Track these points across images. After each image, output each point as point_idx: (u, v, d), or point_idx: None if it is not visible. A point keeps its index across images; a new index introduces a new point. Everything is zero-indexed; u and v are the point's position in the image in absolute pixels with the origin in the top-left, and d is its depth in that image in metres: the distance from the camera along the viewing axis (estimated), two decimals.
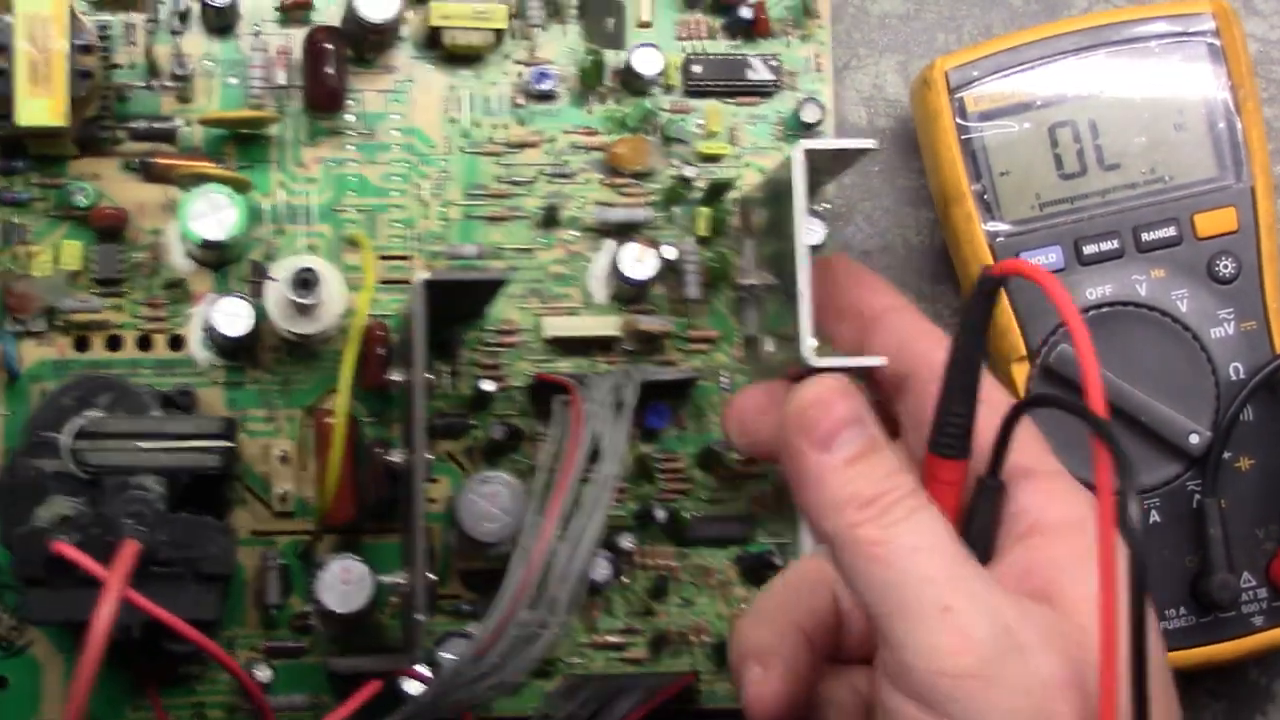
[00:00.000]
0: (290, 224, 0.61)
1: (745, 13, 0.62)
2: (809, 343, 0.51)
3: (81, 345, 0.60)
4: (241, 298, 0.58)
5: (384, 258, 0.61)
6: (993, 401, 0.51)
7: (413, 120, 0.62)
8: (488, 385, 0.61)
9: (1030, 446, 0.52)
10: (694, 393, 0.61)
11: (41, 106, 0.55)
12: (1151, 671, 0.45)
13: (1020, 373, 0.62)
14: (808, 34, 0.63)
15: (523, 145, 0.62)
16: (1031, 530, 0.50)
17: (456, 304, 0.58)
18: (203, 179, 0.58)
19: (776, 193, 0.57)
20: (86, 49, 0.57)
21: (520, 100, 0.62)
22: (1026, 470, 0.51)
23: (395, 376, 0.58)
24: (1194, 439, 0.62)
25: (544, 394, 0.60)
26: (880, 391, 0.56)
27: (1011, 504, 0.51)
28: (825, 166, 0.52)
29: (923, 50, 0.67)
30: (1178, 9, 0.63)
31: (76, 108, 0.57)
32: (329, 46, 0.59)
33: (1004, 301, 0.61)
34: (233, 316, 0.58)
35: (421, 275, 0.53)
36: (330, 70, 0.59)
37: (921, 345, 0.54)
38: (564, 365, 0.61)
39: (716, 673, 0.61)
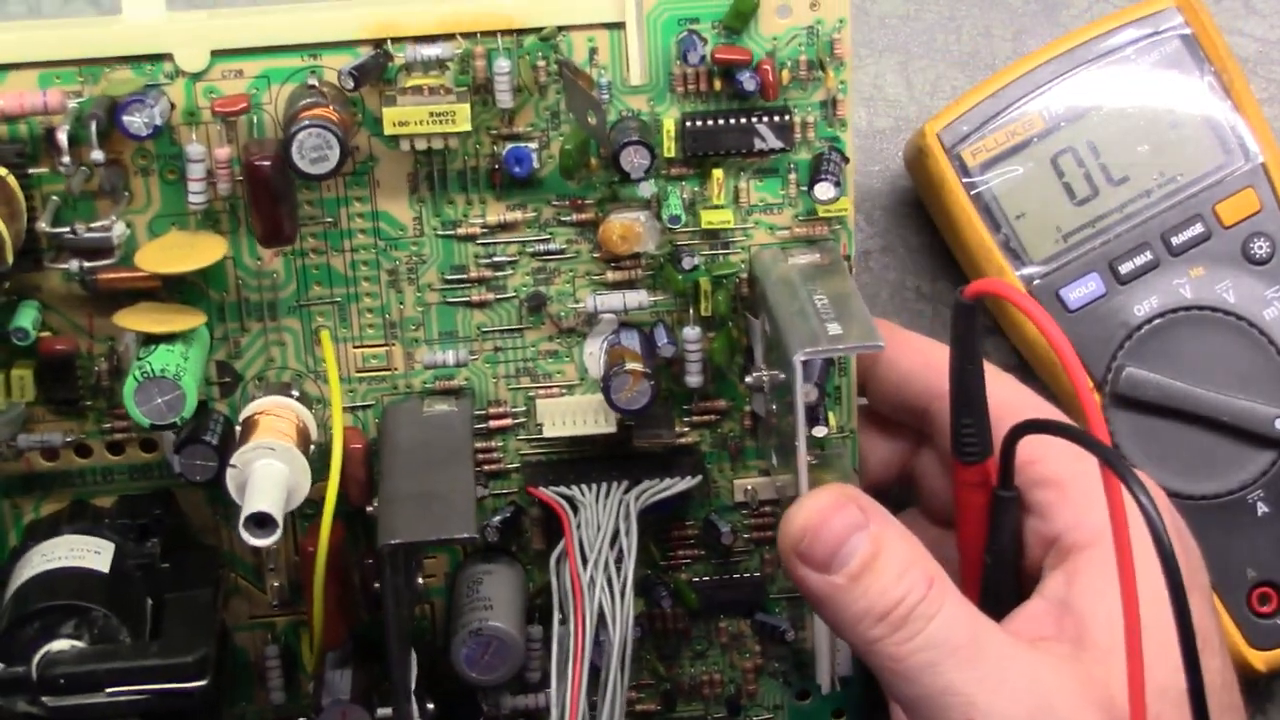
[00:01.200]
0: (254, 320, 0.70)
1: (749, 84, 0.66)
2: None
3: (51, 455, 0.70)
4: (206, 442, 0.67)
5: (359, 347, 0.70)
6: (1016, 407, 0.65)
7: (377, 203, 0.68)
8: (480, 491, 0.72)
9: (1063, 456, 0.65)
10: (702, 460, 0.72)
11: None
12: (1212, 695, 0.58)
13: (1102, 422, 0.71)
14: (821, 81, 0.67)
15: (502, 226, 0.68)
16: (1071, 549, 0.64)
17: None
18: (149, 337, 0.66)
19: (776, 310, 0.67)
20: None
21: (496, 176, 0.68)
22: (1059, 483, 0.65)
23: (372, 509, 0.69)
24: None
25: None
26: (911, 419, 0.71)
27: (1049, 524, 0.65)
28: None
29: (923, 50, 0.75)
30: (1141, 11, 0.73)
31: None
32: (270, 181, 0.64)
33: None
34: (199, 465, 0.67)
35: (384, 542, 0.62)
36: (275, 210, 0.64)
37: (922, 377, 0.69)
38: (560, 449, 0.72)
39: None
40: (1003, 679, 0.60)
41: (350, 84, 0.64)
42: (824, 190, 0.67)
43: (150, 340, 0.66)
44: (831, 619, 0.62)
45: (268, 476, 0.65)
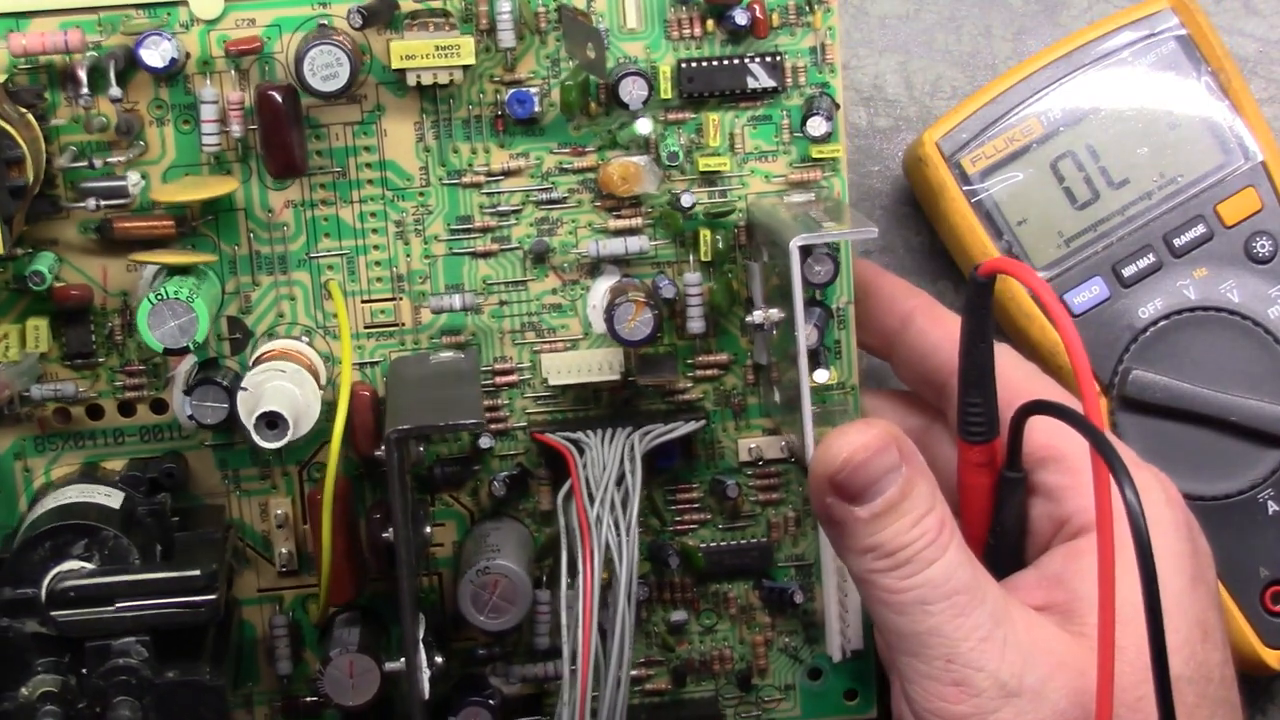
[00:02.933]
0: (265, 274, 0.72)
1: (740, 18, 0.69)
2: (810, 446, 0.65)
3: (63, 416, 0.71)
4: (217, 383, 0.69)
5: (368, 301, 0.72)
6: (1026, 389, 0.65)
7: (384, 153, 0.70)
8: (485, 442, 0.73)
9: (1078, 438, 0.62)
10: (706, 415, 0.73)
11: None
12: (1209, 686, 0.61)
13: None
14: (813, 25, 0.70)
15: (506, 173, 0.71)
16: (1079, 531, 0.65)
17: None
18: (164, 268, 0.68)
19: (773, 225, 0.69)
20: (15, 161, 0.64)
21: (500, 122, 0.71)
22: (1073, 467, 0.65)
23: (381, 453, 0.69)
24: None
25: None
26: (929, 392, 0.72)
27: (1061, 506, 0.65)
28: None
29: (923, 50, 0.77)
30: (1137, 14, 0.74)
31: (15, 218, 0.64)
32: (281, 108, 0.67)
33: (1062, 345, 0.72)
34: (210, 407, 0.68)
35: (391, 431, 0.63)
36: (287, 137, 0.67)
37: (948, 349, 0.68)
38: (565, 406, 0.73)
39: (741, 699, 0.76)
40: (989, 633, 0.61)
41: (358, 22, 0.67)
42: (816, 125, 0.69)
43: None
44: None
45: (279, 390, 0.66)
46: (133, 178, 0.69)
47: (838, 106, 0.71)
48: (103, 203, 0.68)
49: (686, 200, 0.70)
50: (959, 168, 0.74)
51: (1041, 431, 0.66)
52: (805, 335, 0.65)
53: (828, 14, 0.71)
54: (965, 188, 0.74)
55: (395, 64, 0.68)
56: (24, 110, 0.67)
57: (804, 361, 0.65)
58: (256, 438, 0.64)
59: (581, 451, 0.70)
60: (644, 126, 0.70)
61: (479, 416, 0.64)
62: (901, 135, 0.79)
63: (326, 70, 0.66)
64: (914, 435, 0.72)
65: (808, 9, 0.70)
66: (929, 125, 0.75)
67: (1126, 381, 0.73)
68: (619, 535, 0.67)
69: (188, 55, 0.69)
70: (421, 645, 0.68)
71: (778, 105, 0.71)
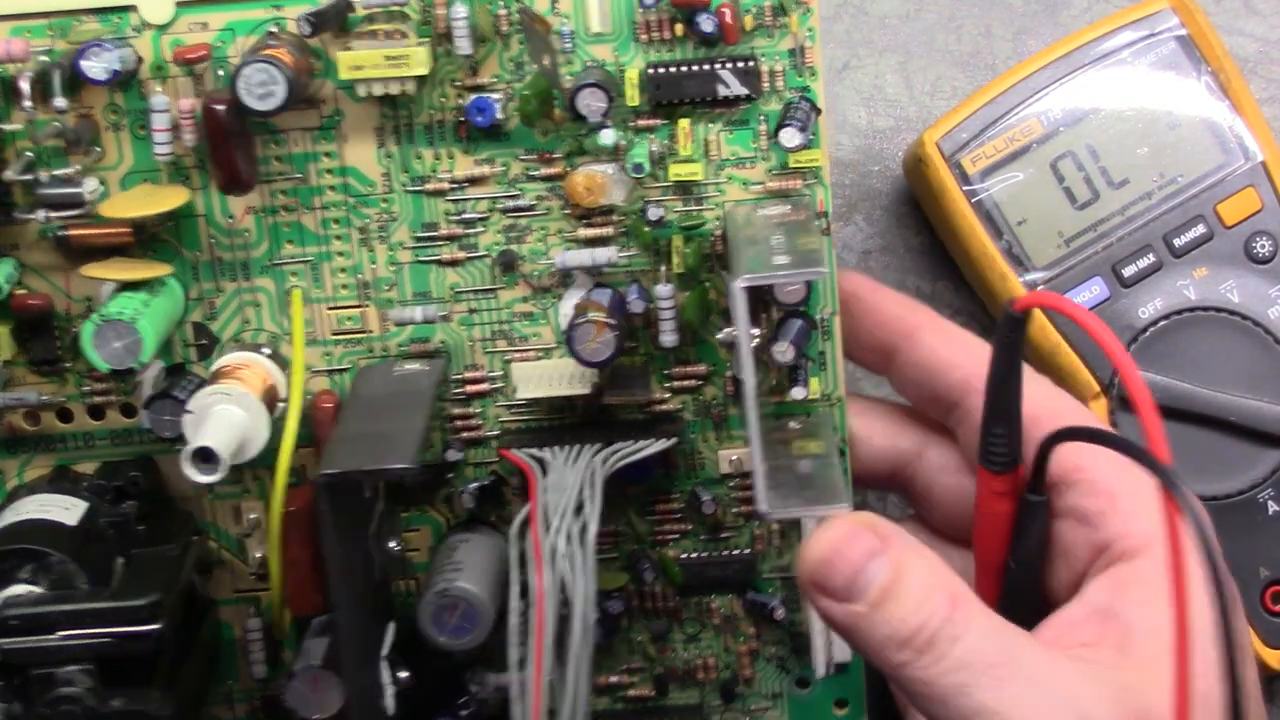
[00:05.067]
0: (228, 281, 0.70)
1: (706, 25, 0.65)
2: (762, 490, 0.62)
3: (33, 419, 0.70)
4: (174, 397, 0.67)
5: (334, 308, 0.69)
6: (1049, 411, 0.64)
7: (345, 159, 0.68)
8: (453, 455, 0.71)
9: (1111, 463, 0.63)
10: (682, 431, 0.70)
11: None
12: (1251, 702, 0.57)
13: (1100, 408, 0.74)
14: (788, 28, 0.66)
15: (471, 180, 0.68)
16: (1120, 557, 0.62)
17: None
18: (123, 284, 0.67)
19: (734, 245, 0.66)
20: None
21: (463, 129, 0.67)
22: (1109, 491, 0.63)
23: None
24: None
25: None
26: (936, 410, 0.69)
27: (1099, 532, 0.63)
28: None
29: (923, 50, 0.75)
30: (1137, 13, 0.73)
31: None
32: (224, 121, 0.64)
33: (1063, 344, 0.73)
34: (168, 420, 0.67)
35: (320, 472, 0.61)
36: (230, 152, 0.64)
37: (962, 368, 0.67)
38: (540, 415, 0.70)
39: (725, 707, 0.73)
40: (1037, 694, 0.58)
41: (307, 29, 0.65)
42: (789, 136, 0.65)
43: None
44: (858, 647, 0.61)
45: (221, 418, 0.65)
46: (90, 184, 0.67)
47: (819, 111, 0.67)
48: (52, 214, 0.66)
49: (653, 214, 0.67)
50: (959, 168, 0.73)
51: (1068, 452, 0.63)
52: (751, 376, 0.62)
53: (806, 15, 0.66)
54: (965, 188, 0.73)
55: (343, 75, 0.65)
56: None
57: (753, 412, 0.62)
58: (189, 471, 0.63)
59: (545, 471, 0.67)
60: (607, 137, 0.67)
61: (410, 460, 0.62)
62: (901, 135, 0.77)
63: (262, 89, 0.63)
64: (909, 455, 0.71)
65: (783, 11, 0.66)
66: (929, 125, 0.73)
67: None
68: (573, 569, 0.65)
69: (139, 60, 0.67)
70: (385, 663, 0.67)
71: (755, 110, 0.67)
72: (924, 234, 0.77)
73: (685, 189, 0.68)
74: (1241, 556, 0.74)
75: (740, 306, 0.61)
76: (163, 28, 0.67)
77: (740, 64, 0.66)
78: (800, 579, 0.61)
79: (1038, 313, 0.73)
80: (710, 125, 0.67)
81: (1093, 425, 0.65)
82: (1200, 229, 0.73)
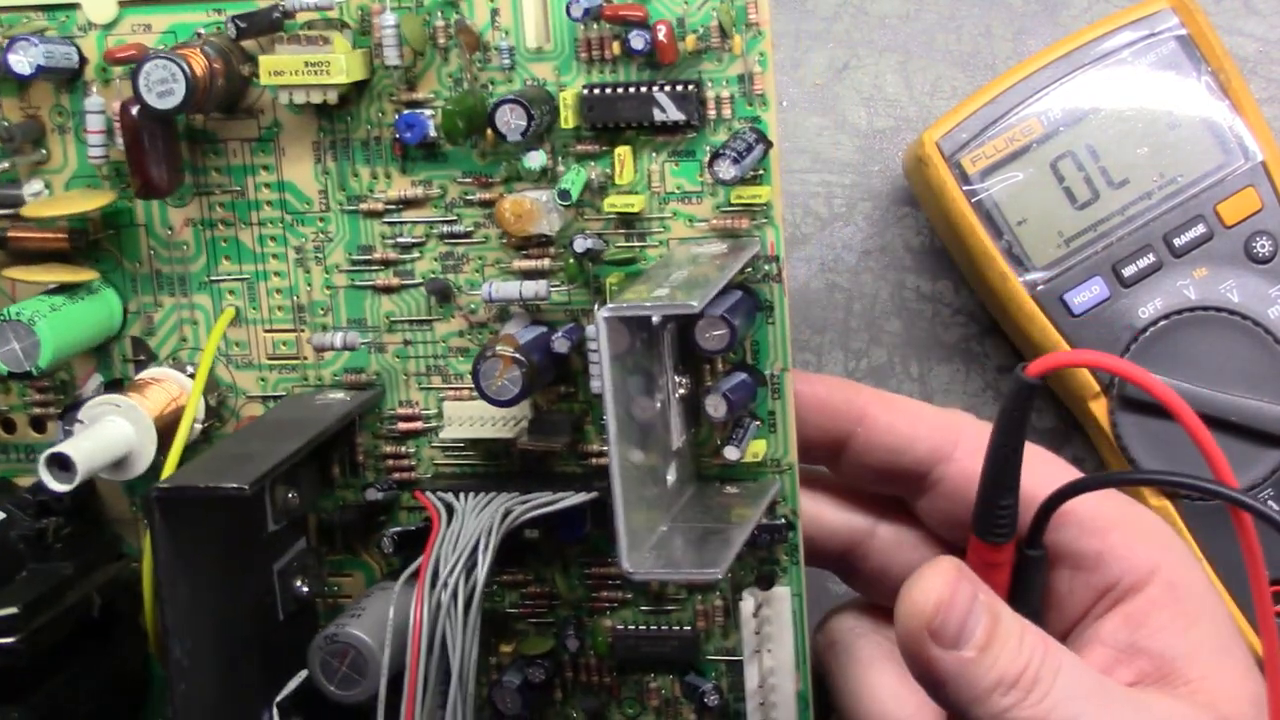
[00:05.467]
0: (167, 295, 0.67)
1: (637, 42, 0.60)
2: (624, 548, 0.56)
3: None
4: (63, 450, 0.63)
5: (270, 331, 0.66)
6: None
7: (283, 173, 0.64)
8: (372, 494, 0.66)
9: (1097, 504, 0.62)
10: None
11: None
12: None
13: (1099, 408, 0.72)
14: (733, 53, 0.60)
15: (407, 202, 0.64)
16: (1128, 593, 0.62)
17: None
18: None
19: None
20: None
21: (399, 146, 0.63)
22: (1103, 530, 0.62)
23: None
24: None
25: None
26: (896, 487, 0.66)
27: (1101, 574, 0.62)
28: None
29: (923, 50, 0.74)
30: (1137, 13, 0.72)
31: None
32: (136, 124, 0.61)
33: (1063, 343, 0.72)
34: (56, 472, 0.63)
35: (151, 488, 0.58)
36: (142, 155, 0.62)
37: (926, 439, 0.64)
38: (476, 459, 0.65)
39: None
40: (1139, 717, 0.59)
41: (233, 32, 0.62)
42: (723, 168, 0.60)
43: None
44: (962, 695, 0.58)
45: (98, 430, 0.62)
46: (34, 186, 0.66)
47: (769, 144, 0.61)
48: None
49: (579, 244, 0.62)
50: (959, 168, 0.71)
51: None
52: (614, 421, 0.55)
53: (755, 39, 0.61)
54: (965, 188, 0.71)
55: (263, 80, 0.62)
56: None
57: (615, 462, 0.56)
58: (42, 474, 0.60)
59: (450, 518, 0.63)
60: (534, 159, 0.62)
61: (245, 482, 0.57)
62: (901, 135, 0.75)
63: (161, 86, 0.60)
64: (861, 533, 0.67)
65: (729, 32, 0.61)
66: (929, 125, 0.71)
67: (1126, 382, 0.70)
68: (454, 628, 0.60)
69: (83, 60, 0.65)
70: (276, 710, 0.63)
71: (702, 140, 0.62)
72: (924, 234, 0.76)
73: (627, 222, 0.63)
74: (1241, 556, 0.66)
75: (602, 339, 0.55)
76: (107, 27, 0.65)
77: (680, 87, 0.61)
78: (909, 627, 0.58)
79: (1038, 314, 0.71)
80: (654, 155, 0.62)
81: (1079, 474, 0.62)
82: (1200, 229, 0.71)
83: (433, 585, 0.61)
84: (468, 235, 0.64)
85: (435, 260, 0.64)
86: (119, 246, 0.66)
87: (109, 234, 0.66)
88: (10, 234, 0.66)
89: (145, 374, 0.66)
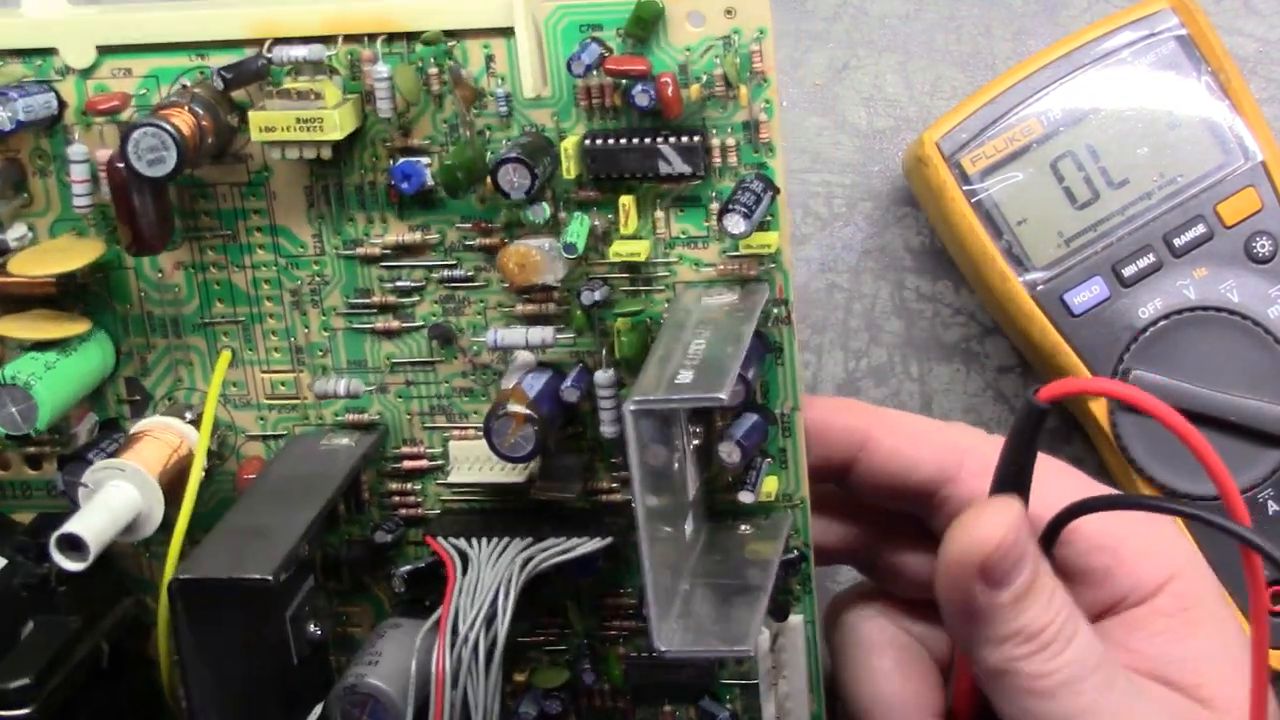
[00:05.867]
0: (159, 337, 0.66)
1: (641, 99, 0.58)
2: (655, 625, 0.56)
3: None
4: (88, 460, 0.63)
5: (267, 372, 0.65)
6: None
7: (275, 217, 0.63)
8: (381, 536, 0.66)
9: (1103, 520, 0.62)
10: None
11: None
12: None
13: (1099, 409, 0.72)
14: (740, 102, 0.59)
15: (404, 247, 0.62)
16: (1134, 606, 0.62)
17: None
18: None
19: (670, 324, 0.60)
20: None
21: (394, 193, 0.61)
22: (1111, 546, 0.63)
23: None
24: None
25: None
26: (903, 504, 0.66)
27: (1108, 589, 0.63)
28: None
29: (923, 50, 0.73)
30: (1137, 13, 0.71)
31: None
32: (124, 181, 0.59)
33: (1063, 344, 0.71)
34: (80, 485, 0.62)
35: (174, 576, 0.58)
36: (132, 213, 0.60)
37: (930, 460, 0.64)
38: (483, 496, 0.65)
39: None
40: (1134, 702, 0.60)
41: (219, 84, 0.60)
42: (733, 223, 0.58)
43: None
44: (977, 634, 0.59)
45: (107, 501, 0.61)
46: (17, 231, 0.64)
47: (776, 191, 0.60)
48: None
49: (586, 297, 0.61)
50: (959, 168, 0.71)
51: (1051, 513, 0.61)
52: (642, 452, 0.56)
53: (759, 88, 0.59)
54: (965, 188, 0.71)
55: (255, 137, 0.60)
56: None
57: (646, 554, 0.56)
58: (55, 556, 0.59)
59: (466, 566, 0.62)
60: (538, 213, 0.61)
61: (269, 570, 0.57)
62: (901, 135, 0.75)
63: (152, 154, 0.58)
64: (870, 538, 0.69)
65: (732, 84, 0.59)
66: (929, 125, 0.71)
67: (1126, 382, 0.71)
68: (476, 687, 0.60)
69: (62, 105, 0.63)
70: None
71: (707, 186, 0.61)
72: (924, 234, 0.75)
73: (634, 269, 0.62)
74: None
75: (629, 433, 0.55)
76: (85, 72, 0.63)
77: (685, 139, 0.59)
78: (958, 557, 0.58)
79: (1037, 314, 0.71)
80: (658, 202, 0.61)
81: (1099, 492, 0.62)
82: (1200, 229, 0.71)
83: (453, 638, 0.61)
84: (469, 280, 0.63)
85: (435, 304, 0.63)
86: (108, 290, 0.65)
87: (97, 277, 0.65)
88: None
89: (141, 424, 0.65)
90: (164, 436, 0.64)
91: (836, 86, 0.73)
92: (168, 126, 0.58)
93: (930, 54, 0.74)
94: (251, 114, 0.60)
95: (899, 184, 0.75)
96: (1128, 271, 0.71)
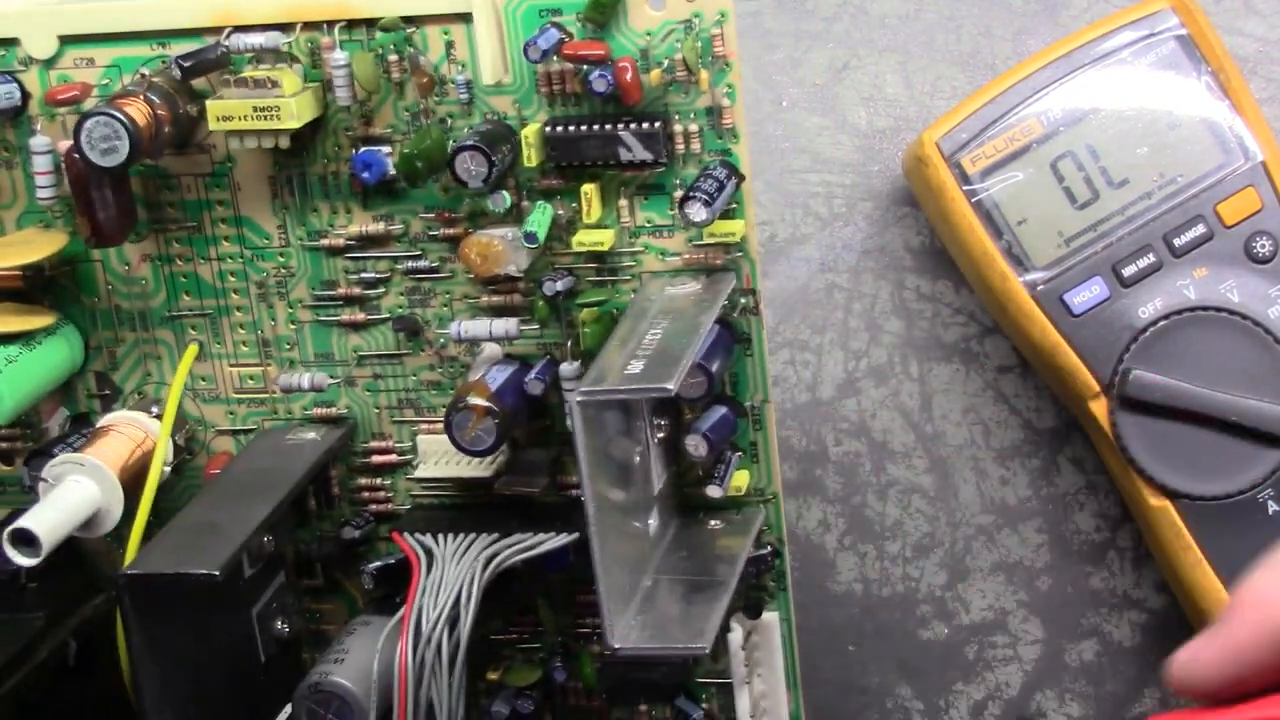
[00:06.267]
0: (128, 330, 0.65)
1: (599, 84, 0.57)
2: (609, 623, 0.55)
3: None
4: (52, 454, 0.63)
5: (235, 365, 0.64)
6: None
7: (239, 208, 0.62)
8: (349, 533, 0.65)
9: None
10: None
11: None
12: None
13: (1099, 409, 0.70)
14: (700, 86, 0.58)
15: (368, 238, 0.61)
16: None
17: None
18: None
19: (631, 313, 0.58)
20: None
21: (358, 182, 0.61)
22: None
23: None
24: None
25: None
26: None
27: None
28: None
29: (923, 50, 0.72)
30: (1137, 13, 0.70)
31: None
32: (82, 172, 0.59)
33: (1063, 344, 0.69)
34: (41, 481, 0.61)
35: (120, 570, 0.57)
36: (90, 205, 0.60)
37: None
38: (452, 490, 0.64)
39: None
40: None
41: (177, 73, 0.59)
42: (694, 211, 0.57)
43: None
44: None
45: (63, 496, 0.60)
46: None
47: (742, 178, 0.58)
48: None
49: (548, 288, 0.60)
50: (959, 168, 0.69)
51: None
52: (592, 502, 0.54)
53: (722, 73, 0.58)
54: (965, 188, 0.69)
55: (212, 126, 0.59)
56: None
57: (595, 545, 0.55)
58: (8, 550, 0.59)
59: (430, 564, 0.61)
60: (498, 201, 0.60)
61: (217, 564, 0.56)
62: (901, 135, 0.73)
63: (105, 144, 0.58)
64: None
65: (694, 69, 0.58)
66: (929, 125, 0.69)
67: (1126, 381, 0.70)
68: (440, 689, 0.59)
69: (26, 96, 0.62)
70: None
71: (671, 174, 0.59)
72: (924, 234, 0.73)
73: (599, 258, 0.61)
74: (1242, 556, 0.69)
75: (577, 424, 0.53)
76: (48, 62, 0.62)
77: (645, 125, 0.58)
78: None
79: (1038, 313, 0.69)
80: (622, 189, 0.60)
81: None
82: (1200, 229, 0.70)
83: (415, 638, 0.60)
84: (434, 271, 0.62)
85: (401, 295, 0.62)
86: (76, 283, 0.64)
87: (64, 270, 0.64)
88: None
89: (107, 419, 0.64)
90: (128, 431, 0.63)
91: (836, 86, 0.71)
92: (119, 115, 0.58)
93: (930, 54, 0.72)
94: (209, 103, 0.59)
95: (899, 184, 0.73)
96: (1128, 271, 0.70)
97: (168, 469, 0.63)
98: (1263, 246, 0.70)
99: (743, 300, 0.60)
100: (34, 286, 0.64)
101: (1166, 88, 0.70)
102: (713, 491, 0.61)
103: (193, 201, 0.63)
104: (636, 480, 0.59)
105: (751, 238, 0.60)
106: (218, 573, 0.56)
